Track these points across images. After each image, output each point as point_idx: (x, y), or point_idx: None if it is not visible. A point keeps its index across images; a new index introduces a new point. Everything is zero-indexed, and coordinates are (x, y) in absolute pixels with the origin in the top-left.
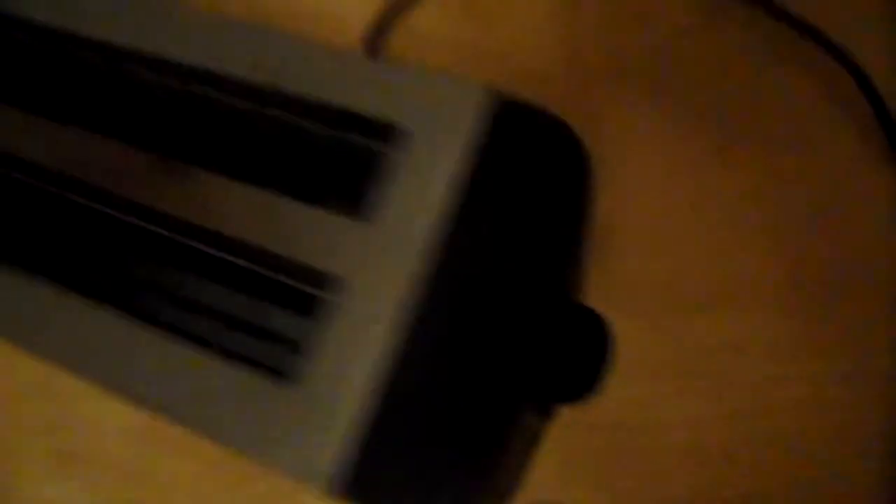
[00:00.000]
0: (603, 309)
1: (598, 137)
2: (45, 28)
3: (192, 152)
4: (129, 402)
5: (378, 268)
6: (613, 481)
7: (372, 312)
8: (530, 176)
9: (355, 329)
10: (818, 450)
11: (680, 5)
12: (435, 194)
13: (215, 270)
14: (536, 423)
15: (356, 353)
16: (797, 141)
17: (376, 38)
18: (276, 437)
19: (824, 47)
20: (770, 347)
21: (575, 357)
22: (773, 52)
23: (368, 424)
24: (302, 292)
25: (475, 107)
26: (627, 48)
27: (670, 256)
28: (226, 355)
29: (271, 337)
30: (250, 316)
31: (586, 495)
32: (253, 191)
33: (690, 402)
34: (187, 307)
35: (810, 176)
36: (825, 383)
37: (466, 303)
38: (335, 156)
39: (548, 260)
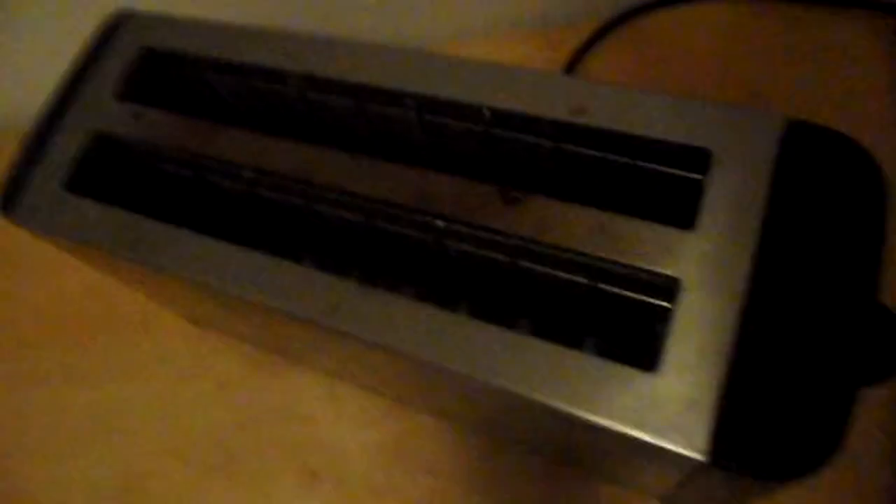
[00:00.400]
0: None
1: None
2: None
3: (525, 183)
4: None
5: (712, 270)
6: None
7: (713, 308)
8: (831, 191)
9: (702, 322)
10: None
11: None
12: (751, 207)
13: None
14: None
15: (705, 344)
16: None
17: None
18: (654, 417)
19: None
20: None
21: (874, 347)
22: None
23: (727, 403)
24: (644, 295)
25: (775, 130)
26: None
27: None
28: (596, 353)
29: (621, 338)
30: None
31: None
32: (587, 210)
33: None
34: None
35: None
36: None
37: (787, 301)
38: (649, 185)
39: (852, 266)
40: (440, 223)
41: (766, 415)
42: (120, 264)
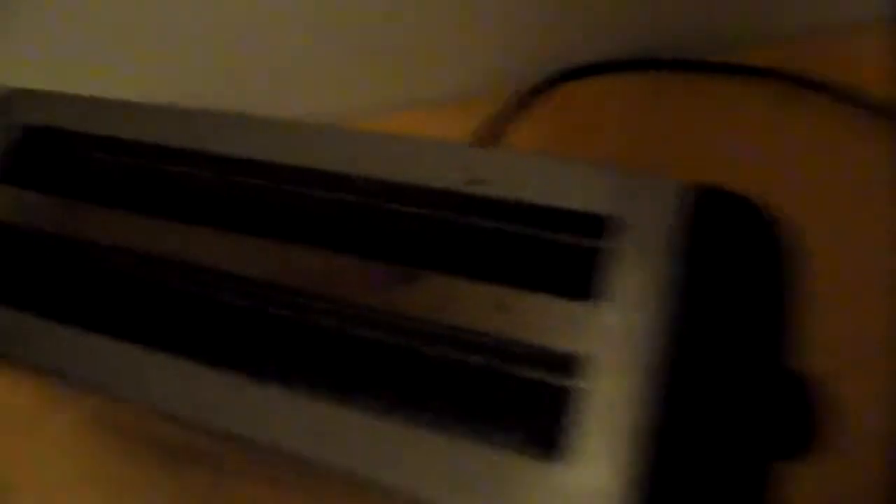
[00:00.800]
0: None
1: None
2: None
3: (418, 261)
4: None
5: (620, 344)
6: None
7: (622, 386)
8: (734, 253)
9: (611, 402)
10: None
11: None
12: (658, 275)
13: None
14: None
15: (616, 430)
16: None
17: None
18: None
19: None
20: None
21: (787, 417)
22: None
23: (640, 492)
24: (547, 375)
25: (678, 195)
26: None
27: None
28: (484, 441)
29: (514, 422)
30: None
31: None
32: (486, 287)
33: None
34: (430, 400)
35: None
36: None
37: (700, 375)
38: (551, 256)
39: (757, 329)
40: (322, 305)
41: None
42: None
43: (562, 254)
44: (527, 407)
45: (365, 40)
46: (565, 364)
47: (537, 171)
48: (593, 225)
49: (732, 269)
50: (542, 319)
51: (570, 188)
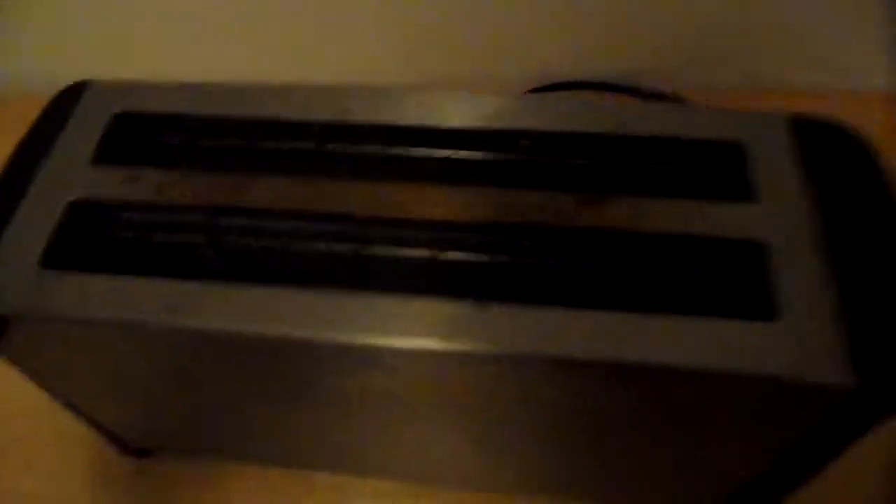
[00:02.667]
0: None
1: None
2: None
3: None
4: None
5: (786, 231)
6: None
7: (802, 258)
8: (837, 163)
9: (799, 270)
10: None
11: None
12: (793, 180)
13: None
14: None
15: (808, 287)
16: None
17: None
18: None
19: None
20: None
21: None
22: None
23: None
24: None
25: (785, 125)
26: None
27: None
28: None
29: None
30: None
31: None
32: (666, 201)
33: None
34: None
35: None
36: None
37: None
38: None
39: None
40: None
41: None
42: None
43: (714, 173)
44: (730, 291)
45: None
46: (748, 248)
47: (671, 114)
48: (729, 151)
49: (840, 172)
50: (721, 219)
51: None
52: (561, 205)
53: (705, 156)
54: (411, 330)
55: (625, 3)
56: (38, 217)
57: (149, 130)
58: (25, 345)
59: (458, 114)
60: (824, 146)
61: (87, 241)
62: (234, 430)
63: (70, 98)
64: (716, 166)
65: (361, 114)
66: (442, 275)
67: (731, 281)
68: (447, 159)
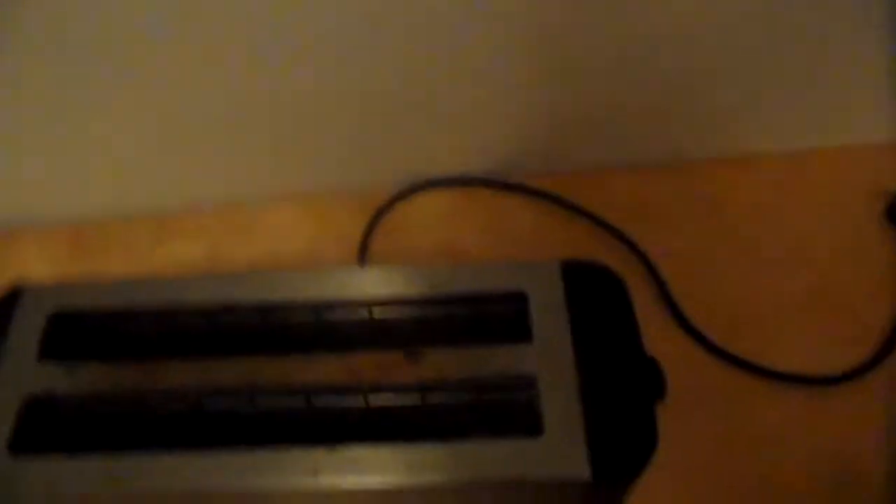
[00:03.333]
0: None
1: None
2: None
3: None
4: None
5: (551, 364)
6: None
7: (562, 387)
8: (597, 302)
9: (559, 398)
10: None
11: None
12: (562, 326)
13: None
14: None
15: (565, 408)
16: None
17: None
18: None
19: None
20: None
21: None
22: None
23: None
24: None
25: (558, 270)
26: None
27: None
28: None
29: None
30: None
31: None
32: (458, 350)
33: None
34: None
35: None
36: None
37: (601, 369)
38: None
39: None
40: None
41: (614, 439)
42: None
43: (501, 319)
44: (509, 412)
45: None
46: (522, 382)
47: (468, 273)
48: (514, 299)
49: (598, 310)
50: (501, 359)
51: (491, 278)
52: (391, 361)
53: (499, 304)
54: (286, 474)
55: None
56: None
57: (79, 326)
58: None
59: (321, 288)
60: (587, 287)
61: (43, 426)
62: None
63: (10, 301)
64: (506, 313)
65: (245, 295)
66: (310, 423)
67: (512, 407)
68: (313, 328)
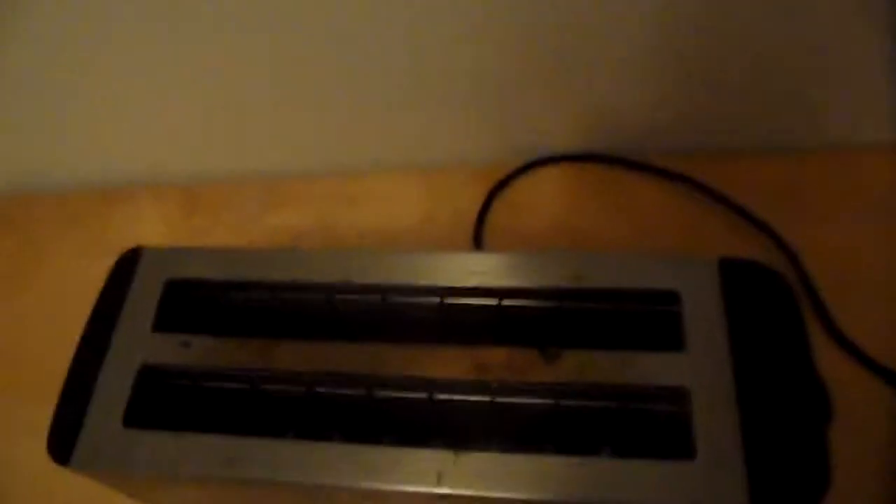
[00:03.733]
0: None
1: None
2: None
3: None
4: None
5: (705, 377)
6: None
7: (717, 402)
8: (760, 308)
9: (713, 416)
10: None
11: None
12: (719, 334)
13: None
14: None
15: (720, 430)
16: None
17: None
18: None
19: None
20: None
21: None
22: None
23: (751, 468)
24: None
25: (715, 269)
26: None
27: None
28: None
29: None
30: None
31: None
32: (610, 354)
33: None
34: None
35: None
36: None
37: (764, 385)
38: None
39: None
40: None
41: (779, 470)
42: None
43: (649, 320)
44: (655, 428)
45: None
46: (674, 395)
47: (613, 264)
48: (665, 298)
49: (762, 318)
50: (650, 368)
51: (641, 274)
52: (525, 359)
53: (646, 303)
54: (407, 476)
55: (624, 72)
56: (116, 381)
57: (194, 294)
58: (104, 480)
59: (445, 272)
60: (748, 289)
61: (156, 399)
62: None
63: (129, 263)
64: (654, 314)
65: (364, 274)
66: (431, 420)
67: (659, 424)
68: (436, 315)
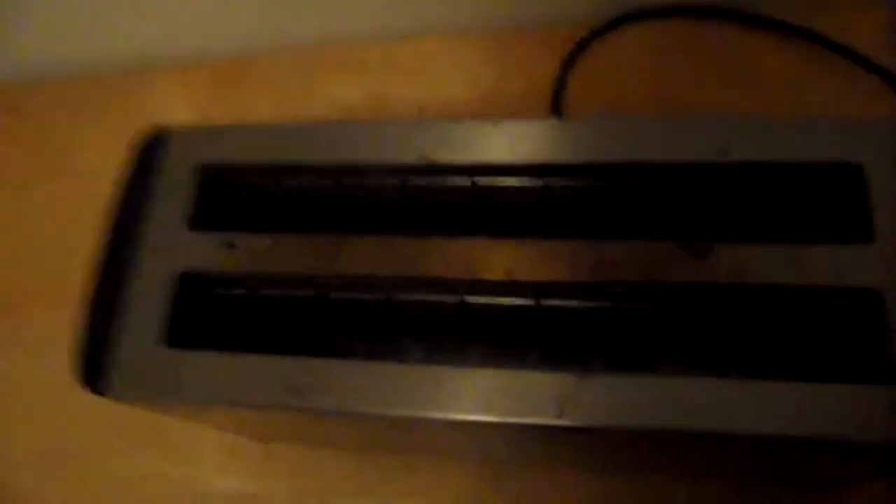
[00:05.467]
0: None
1: None
2: None
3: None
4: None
5: None
6: None
7: None
8: None
9: None
10: None
11: None
12: None
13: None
14: None
15: None
16: None
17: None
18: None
19: None
20: None
21: None
22: None
23: None
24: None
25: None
26: None
27: None
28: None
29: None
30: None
31: None
32: (773, 248)
33: None
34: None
35: None
36: None
37: None
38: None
39: None
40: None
41: None
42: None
43: (823, 203)
44: (838, 343)
45: None
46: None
47: (773, 133)
48: (846, 173)
49: None
50: (832, 266)
51: (811, 143)
52: (664, 255)
53: (818, 181)
54: (521, 404)
55: None
56: (150, 292)
57: (236, 183)
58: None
59: (535, 145)
60: None
61: (200, 314)
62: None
63: (151, 150)
64: (829, 194)
65: (440, 152)
66: (539, 339)
67: (844, 337)
68: (541, 198)
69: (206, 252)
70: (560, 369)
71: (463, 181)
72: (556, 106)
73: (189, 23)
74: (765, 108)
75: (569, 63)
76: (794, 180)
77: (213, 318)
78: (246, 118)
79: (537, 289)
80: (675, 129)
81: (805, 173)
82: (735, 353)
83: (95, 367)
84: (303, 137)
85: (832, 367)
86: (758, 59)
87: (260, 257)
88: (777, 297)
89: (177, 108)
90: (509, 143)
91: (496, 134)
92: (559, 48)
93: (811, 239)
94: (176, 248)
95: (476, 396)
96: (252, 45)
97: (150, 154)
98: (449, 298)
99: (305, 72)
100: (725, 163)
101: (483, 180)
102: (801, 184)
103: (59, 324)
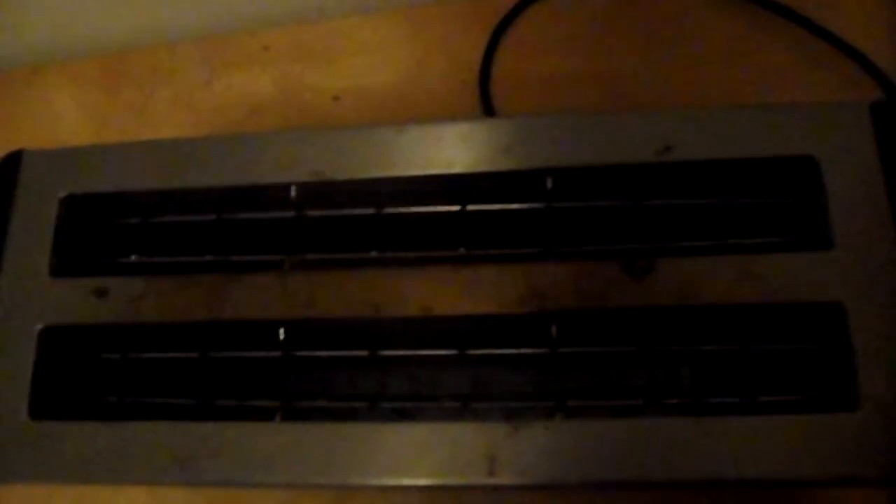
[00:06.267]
0: None
1: None
2: None
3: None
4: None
5: (866, 284)
6: None
7: (886, 321)
8: None
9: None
10: None
11: None
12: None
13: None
14: None
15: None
16: None
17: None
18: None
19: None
20: None
21: None
22: None
23: None
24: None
25: (867, 118)
26: None
27: None
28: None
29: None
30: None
31: None
32: (720, 259)
33: None
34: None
35: None
36: None
37: None
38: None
39: None
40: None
41: None
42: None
43: (774, 203)
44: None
45: None
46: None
47: (715, 125)
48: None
49: None
50: (788, 278)
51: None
52: (601, 278)
53: (767, 180)
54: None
55: None
56: (10, 352)
57: (104, 218)
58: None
59: (461, 152)
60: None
61: (69, 375)
62: None
63: (8, 174)
64: (781, 193)
65: (342, 169)
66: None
67: (804, 357)
68: (459, 214)
69: (73, 302)
70: (490, 419)
71: (365, 210)
72: (485, 92)
73: (78, 12)
74: (713, 85)
75: (495, 39)
76: (741, 179)
77: (84, 379)
78: (143, 118)
79: (459, 327)
80: (612, 125)
81: (753, 170)
82: (683, 385)
83: None
84: (179, 157)
85: (791, 397)
86: (694, 26)
87: (135, 305)
88: (727, 316)
89: (63, 114)
90: (412, 150)
91: (403, 140)
92: (486, 23)
93: (763, 247)
94: (37, 298)
95: (390, 456)
96: (147, 36)
97: (4, 185)
98: (356, 352)
99: (205, 63)
100: (665, 162)
101: (389, 204)
102: (749, 182)
103: None
